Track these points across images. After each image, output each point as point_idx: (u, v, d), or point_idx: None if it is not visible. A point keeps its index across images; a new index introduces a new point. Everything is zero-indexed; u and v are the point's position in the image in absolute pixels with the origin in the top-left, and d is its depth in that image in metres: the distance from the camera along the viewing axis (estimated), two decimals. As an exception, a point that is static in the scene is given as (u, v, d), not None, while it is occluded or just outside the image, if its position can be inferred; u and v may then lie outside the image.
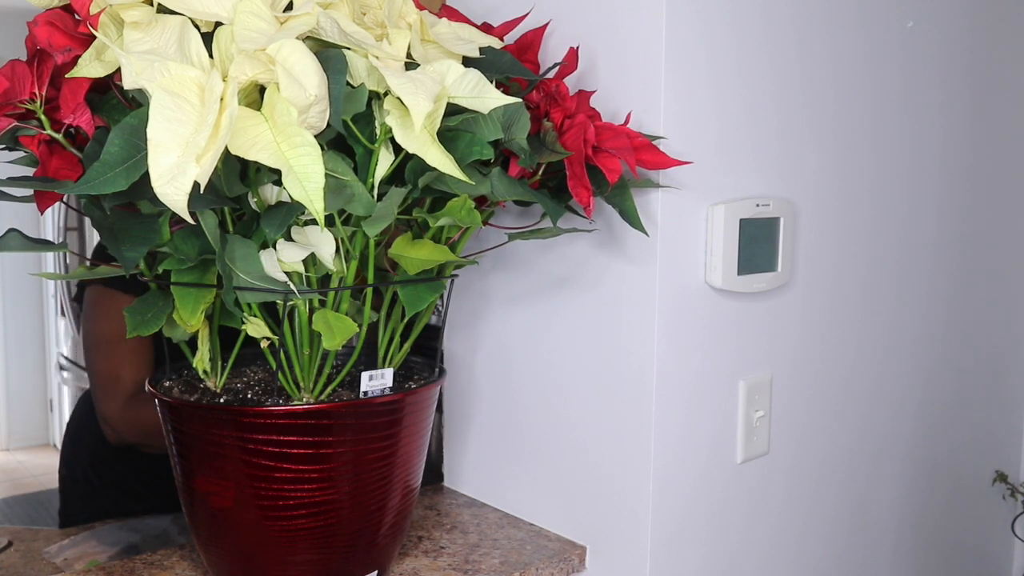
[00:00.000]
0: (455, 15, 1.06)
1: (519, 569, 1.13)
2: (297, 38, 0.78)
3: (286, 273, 0.93)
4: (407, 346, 1.06)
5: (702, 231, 1.14)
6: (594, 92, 1.11)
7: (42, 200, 0.87)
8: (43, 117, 0.86)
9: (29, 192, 0.87)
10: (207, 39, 0.81)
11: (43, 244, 0.92)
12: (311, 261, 0.95)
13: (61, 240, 4.32)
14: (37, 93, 0.85)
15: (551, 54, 1.17)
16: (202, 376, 1.03)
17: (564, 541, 1.22)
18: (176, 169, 0.70)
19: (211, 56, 0.80)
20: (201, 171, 0.71)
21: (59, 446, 1.78)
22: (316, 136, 0.79)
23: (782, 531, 1.33)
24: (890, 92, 1.38)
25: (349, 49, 0.84)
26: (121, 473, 1.61)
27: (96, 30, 0.81)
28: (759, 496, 1.28)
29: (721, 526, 1.23)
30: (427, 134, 0.84)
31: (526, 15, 1.13)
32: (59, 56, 0.83)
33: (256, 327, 0.97)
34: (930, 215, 1.51)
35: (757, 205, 1.17)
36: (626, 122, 1.08)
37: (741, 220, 1.15)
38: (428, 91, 0.81)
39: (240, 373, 1.10)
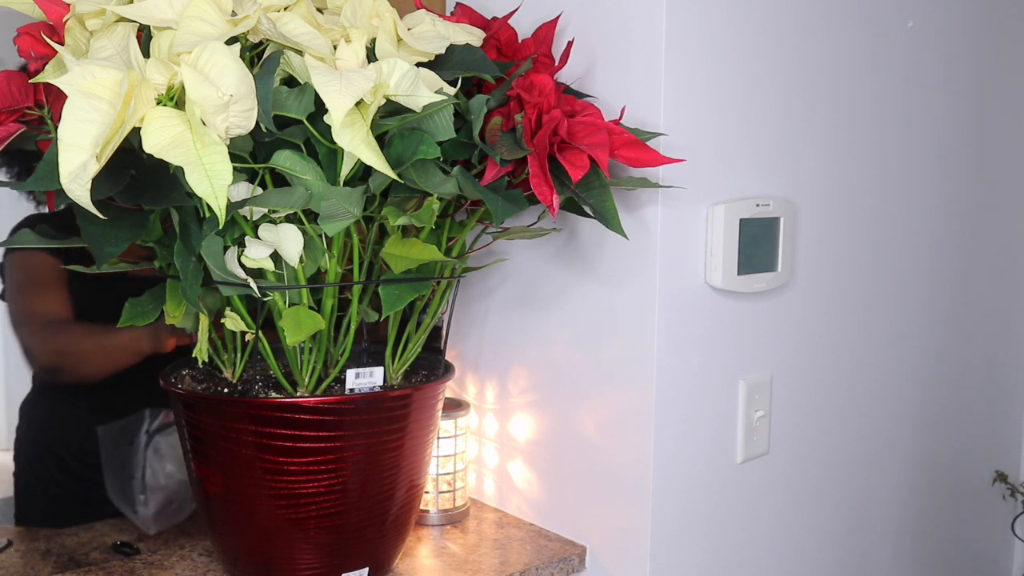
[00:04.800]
0: (468, 12, 1.08)
1: (519, 569, 1.13)
2: (255, 41, 0.80)
3: (258, 269, 0.92)
4: (411, 346, 1.06)
5: (702, 231, 1.14)
6: (571, 83, 1.10)
7: (51, 197, 0.90)
8: (50, 122, 0.89)
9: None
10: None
11: (56, 239, 0.95)
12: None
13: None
14: (43, 100, 0.88)
15: (562, 51, 1.16)
16: (220, 367, 1.05)
17: (564, 541, 1.22)
18: (82, 167, 0.72)
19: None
20: (99, 165, 0.73)
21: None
22: (284, 135, 0.80)
23: (782, 531, 1.33)
24: (890, 92, 1.38)
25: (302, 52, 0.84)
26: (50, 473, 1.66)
27: (64, 38, 0.83)
28: (759, 496, 1.28)
29: (721, 526, 1.23)
30: (355, 133, 0.82)
31: (513, 12, 1.11)
32: (38, 63, 0.86)
33: (234, 321, 0.97)
34: (930, 215, 1.51)
35: (757, 205, 1.17)
36: (620, 117, 1.07)
37: (741, 220, 1.15)
38: (355, 89, 0.80)
39: (258, 364, 1.11)
